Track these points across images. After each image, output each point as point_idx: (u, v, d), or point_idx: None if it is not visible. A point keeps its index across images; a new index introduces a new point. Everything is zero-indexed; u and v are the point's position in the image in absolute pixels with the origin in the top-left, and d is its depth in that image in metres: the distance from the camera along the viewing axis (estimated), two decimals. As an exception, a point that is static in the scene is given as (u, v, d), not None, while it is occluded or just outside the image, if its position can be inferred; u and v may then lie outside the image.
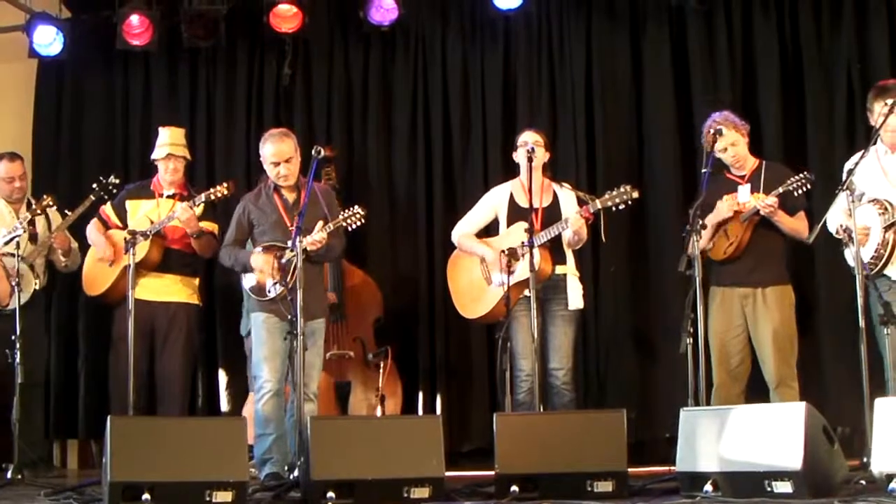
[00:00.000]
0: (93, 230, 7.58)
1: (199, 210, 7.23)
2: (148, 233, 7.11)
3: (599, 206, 6.67)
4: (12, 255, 7.24)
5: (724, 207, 6.61)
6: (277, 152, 6.64)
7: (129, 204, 7.56)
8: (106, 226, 7.57)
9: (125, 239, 6.88)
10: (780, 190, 6.44)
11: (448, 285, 7.34)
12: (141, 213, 7.48)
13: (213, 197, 7.14)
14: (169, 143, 7.53)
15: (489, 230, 7.25)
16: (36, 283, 7.63)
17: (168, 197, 7.52)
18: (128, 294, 6.70)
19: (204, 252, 7.46)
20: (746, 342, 6.68)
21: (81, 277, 7.71)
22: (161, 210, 7.42)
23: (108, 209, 7.61)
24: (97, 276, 7.55)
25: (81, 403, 8.48)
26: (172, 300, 7.44)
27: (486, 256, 7.02)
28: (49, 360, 8.23)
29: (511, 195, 7.09)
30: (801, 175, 6.38)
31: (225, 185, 7.19)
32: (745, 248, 6.61)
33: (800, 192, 6.40)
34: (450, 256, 7.38)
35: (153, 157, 7.59)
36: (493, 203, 7.20)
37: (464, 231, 7.24)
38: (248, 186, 7.78)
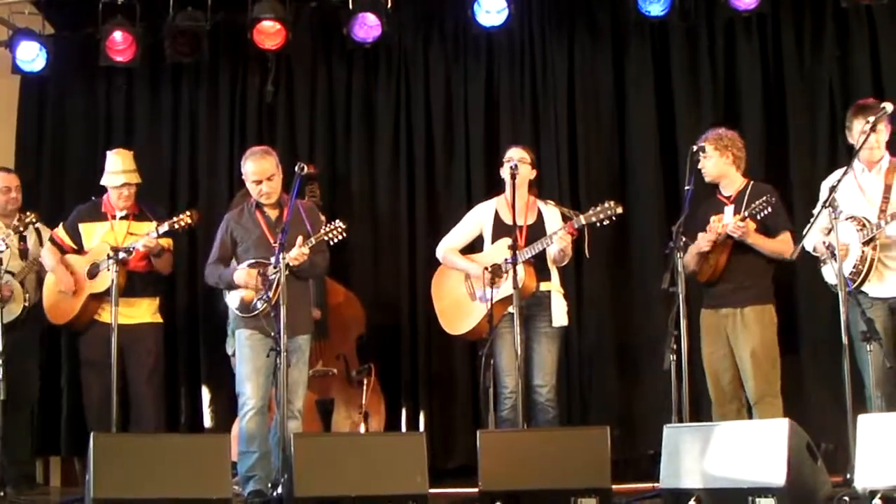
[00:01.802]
0: (49, 257, 7.50)
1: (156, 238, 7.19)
2: (131, 248, 7.04)
3: (584, 222, 6.68)
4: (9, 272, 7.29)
5: (702, 240, 6.64)
6: (259, 170, 6.64)
7: (82, 227, 7.53)
8: (61, 250, 7.52)
9: (108, 256, 6.83)
10: (745, 214, 6.48)
11: (432, 301, 7.35)
12: (96, 237, 7.46)
13: (176, 226, 7.09)
14: (122, 170, 7.47)
15: (473, 247, 7.25)
16: (26, 301, 7.53)
17: (121, 219, 7.49)
18: (112, 314, 6.67)
19: (163, 269, 7.50)
20: (735, 360, 6.68)
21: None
22: (116, 233, 7.41)
23: (61, 233, 7.56)
24: (63, 306, 7.46)
25: (64, 420, 8.42)
26: (137, 322, 7.39)
27: (471, 272, 7.02)
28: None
29: (496, 212, 7.10)
30: (763, 198, 6.39)
31: (188, 213, 7.14)
32: (723, 271, 6.65)
33: (761, 214, 6.42)
34: (433, 273, 7.39)
35: (105, 183, 7.54)
36: (478, 219, 7.21)
37: (449, 246, 7.23)
38: (231, 201, 7.79)
